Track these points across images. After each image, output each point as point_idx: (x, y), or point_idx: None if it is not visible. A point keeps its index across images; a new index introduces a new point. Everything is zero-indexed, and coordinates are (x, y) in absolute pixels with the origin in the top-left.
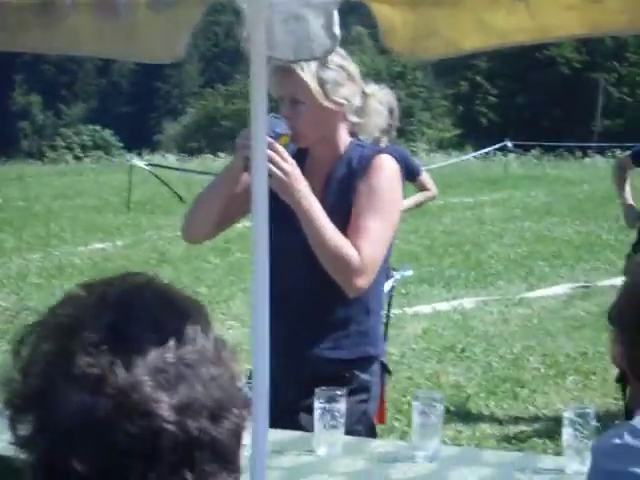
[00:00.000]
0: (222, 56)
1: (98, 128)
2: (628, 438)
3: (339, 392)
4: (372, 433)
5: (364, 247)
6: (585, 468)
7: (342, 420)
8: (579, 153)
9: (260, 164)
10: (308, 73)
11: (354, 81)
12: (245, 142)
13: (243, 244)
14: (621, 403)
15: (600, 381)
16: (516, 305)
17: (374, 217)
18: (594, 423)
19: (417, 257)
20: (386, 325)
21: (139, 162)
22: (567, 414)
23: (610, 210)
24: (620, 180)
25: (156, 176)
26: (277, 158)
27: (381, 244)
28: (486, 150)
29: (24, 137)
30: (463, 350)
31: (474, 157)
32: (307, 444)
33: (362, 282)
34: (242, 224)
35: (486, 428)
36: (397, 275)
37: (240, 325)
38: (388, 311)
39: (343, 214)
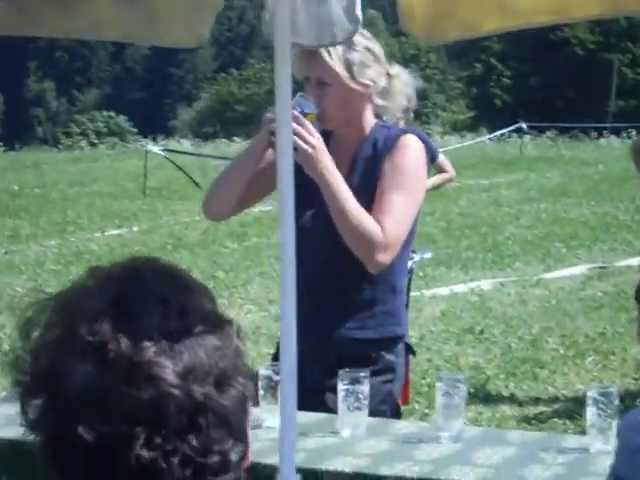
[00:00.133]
0: (236, 41)
1: (112, 114)
2: None
3: (363, 374)
4: (397, 413)
5: (387, 223)
6: (609, 447)
7: (366, 402)
8: (594, 134)
9: (285, 143)
10: (335, 55)
11: (380, 62)
12: (272, 117)
13: (260, 228)
14: None
15: (619, 361)
16: (534, 286)
17: (398, 194)
18: (617, 402)
19: (434, 239)
20: (406, 307)
21: (154, 148)
22: (590, 393)
23: (626, 190)
24: (638, 161)
25: (172, 162)
26: (303, 132)
27: (405, 221)
28: (501, 132)
29: (38, 124)
30: (482, 332)
31: (489, 139)
32: (331, 426)
33: (384, 258)
34: (258, 208)
35: (506, 409)
36: (416, 257)
37: (258, 309)
38: (407, 293)
39: (368, 194)
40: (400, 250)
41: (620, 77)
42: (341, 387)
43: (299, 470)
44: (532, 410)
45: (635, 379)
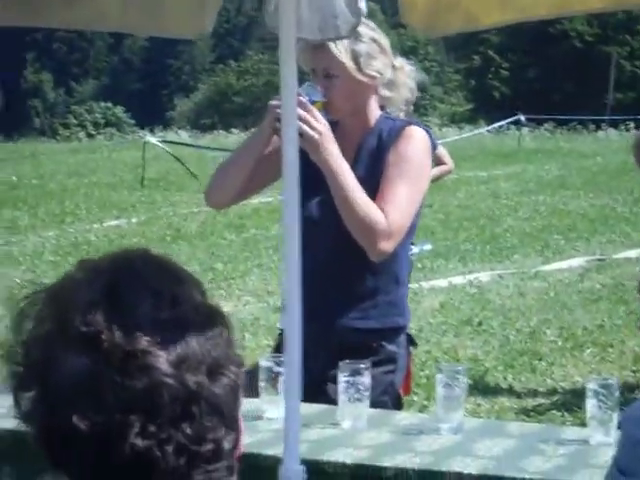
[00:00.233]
0: (233, 32)
1: (110, 105)
2: None
3: (363, 365)
4: (398, 404)
5: (391, 211)
6: (609, 439)
7: (367, 393)
8: (592, 126)
9: (291, 138)
10: (341, 47)
11: (386, 54)
12: (277, 103)
13: (258, 220)
14: (639, 375)
15: (617, 353)
16: (532, 278)
17: (402, 183)
18: (617, 394)
19: (432, 231)
20: None
21: (153, 139)
22: (591, 385)
23: (624, 183)
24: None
25: (170, 153)
26: (309, 118)
27: (408, 210)
28: (499, 124)
29: (36, 115)
30: (480, 324)
31: (487, 131)
32: (332, 417)
33: (387, 246)
34: (257, 200)
35: (505, 401)
36: (415, 249)
37: (256, 301)
38: None
39: (373, 185)
40: (403, 241)
41: (618, 70)
42: (342, 379)
43: (301, 461)
44: (530, 402)
45: (633, 371)
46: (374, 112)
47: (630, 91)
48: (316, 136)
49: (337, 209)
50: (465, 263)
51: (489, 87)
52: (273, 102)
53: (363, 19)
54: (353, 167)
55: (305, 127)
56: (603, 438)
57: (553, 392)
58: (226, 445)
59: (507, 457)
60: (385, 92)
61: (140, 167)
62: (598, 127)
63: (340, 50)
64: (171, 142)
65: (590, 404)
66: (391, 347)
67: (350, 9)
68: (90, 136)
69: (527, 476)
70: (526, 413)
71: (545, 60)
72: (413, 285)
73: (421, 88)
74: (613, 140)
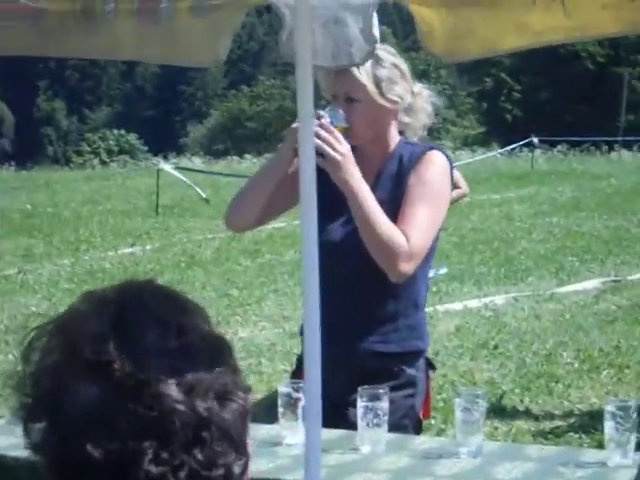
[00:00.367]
0: (245, 58)
1: (123, 132)
2: None
3: (382, 390)
4: (419, 428)
5: (412, 233)
6: (628, 461)
7: (385, 418)
8: (605, 147)
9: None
10: (364, 72)
11: (406, 79)
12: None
13: (273, 245)
14: None
15: (634, 374)
16: (547, 301)
17: (423, 206)
18: (635, 416)
19: (447, 255)
20: None
21: (166, 166)
22: (609, 407)
23: (638, 204)
24: None
25: (184, 180)
26: (331, 139)
27: (429, 232)
28: (512, 146)
29: (49, 143)
30: (496, 347)
31: (500, 154)
32: (351, 442)
33: (407, 267)
34: (271, 225)
35: (522, 424)
36: (431, 273)
37: (272, 326)
38: None
39: (394, 208)
40: (422, 264)
41: (630, 91)
42: (360, 404)
43: None
44: (548, 424)
45: None
46: (394, 138)
47: None
48: (338, 157)
49: (358, 231)
50: (480, 286)
51: (501, 109)
52: (295, 125)
53: (382, 45)
54: (373, 191)
55: (327, 148)
56: (621, 460)
57: (570, 414)
58: (236, 470)
59: None
60: (405, 118)
61: (154, 194)
62: (611, 148)
63: (362, 74)
64: (184, 168)
65: (608, 426)
66: (411, 371)
67: (364, 36)
68: (104, 163)
69: None
70: (544, 436)
71: (557, 82)
72: (428, 309)
73: (435, 112)
74: (626, 161)
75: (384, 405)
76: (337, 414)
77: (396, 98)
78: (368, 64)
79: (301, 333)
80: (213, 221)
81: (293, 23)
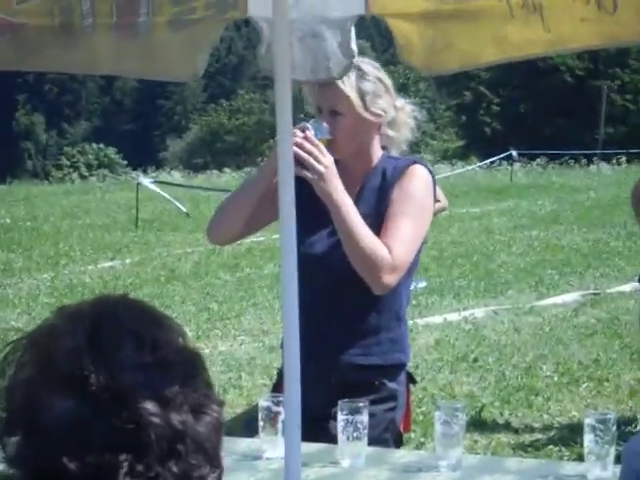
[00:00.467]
0: (224, 72)
1: (102, 146)
2: None
3: (362, 404)
4: (399, 441)
5: (395, 246)
6: (607, 473)
7: (365, 431)
8: (584, 161)
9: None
10: (348, 85)
11: (390, 93)
12: None
13: (252, 259)
14: (635, 409)
15: (613, 387)
16: (527, 314)
17: (406, 219)
18: (614, 429)
19: (426, 268)
20: None
21: (145, 180)
22: (588, 420)
23: (617, 217)
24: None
25: (163, 194)
26: (315, 151)
27: (412, 245)
28: (491, 160)
29: (28, 157)
30: (476, 360)
31: (479, 167)
32: (331, 456)
33: (390, 280)
34: (250, 239)
35: (502, 437)
36: (411, 286)
37: (252, 340)
38: None
39: (377, 222)
40: (405, 277)
41: (609, 104)
42: (340, 417)
43: None
44: (528, 437)
45: (630, 406)
46: (377, 152)
47: (621, 125)
48: (322, 169)
49: (341, 244)
50: (460, 299)
51: (480, 123)
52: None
53: (367, 59)
54: (356, 205)
55: (312, 160)
56: (601, 473)
57: (550, 427)
58: None
59: None
60: (388, 131)
61: (133, 208)
62: (590, 161)
63: (347, 88)
64: (164, 182)
65: (588, 439)
66: (392, 384)
67: (342, 50)
68: (83, 177)
69: None
70: (523, 449)
71: (536, 95)
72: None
73: (418, 127)
74: (605, 174)
75: (364, 418)
76: (317, 427)
77: (380, 112)
78: (353, 78)
79: (282, 346)
80: (193, 235)
81: (271, 37)
